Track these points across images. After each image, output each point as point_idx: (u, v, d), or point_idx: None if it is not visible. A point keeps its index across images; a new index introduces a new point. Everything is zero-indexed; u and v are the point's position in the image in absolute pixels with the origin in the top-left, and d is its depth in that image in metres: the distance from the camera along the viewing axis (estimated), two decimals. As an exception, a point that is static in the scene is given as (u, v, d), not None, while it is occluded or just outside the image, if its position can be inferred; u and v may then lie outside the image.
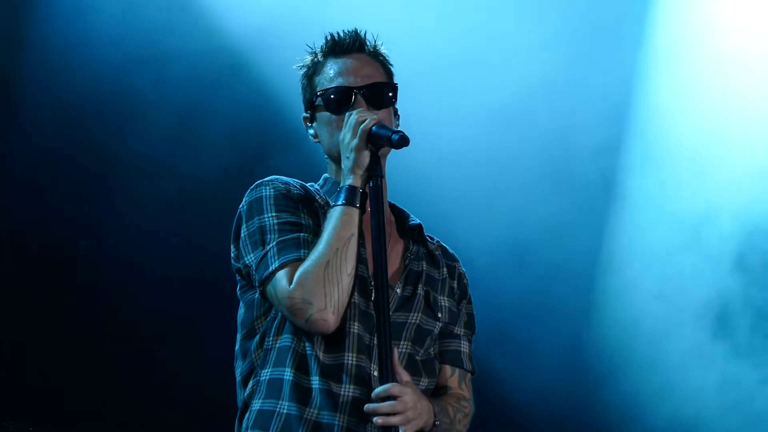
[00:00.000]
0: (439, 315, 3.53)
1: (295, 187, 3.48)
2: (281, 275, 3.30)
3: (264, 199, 3.43)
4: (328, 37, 3.54)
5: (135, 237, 6.11)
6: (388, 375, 3.22)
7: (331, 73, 3.49)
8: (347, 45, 3.52)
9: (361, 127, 3.32)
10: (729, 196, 6.25)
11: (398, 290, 3.46)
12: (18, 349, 5.99)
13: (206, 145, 6.20)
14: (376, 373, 3.33)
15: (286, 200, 3.42)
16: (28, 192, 6.05)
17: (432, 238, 3.67)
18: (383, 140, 3.31)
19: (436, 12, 6.28)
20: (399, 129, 3.32)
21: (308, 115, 3.56)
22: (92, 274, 6.08)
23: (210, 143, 6.21)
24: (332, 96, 3.46)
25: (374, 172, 3.34)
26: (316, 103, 3.50)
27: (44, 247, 6.00)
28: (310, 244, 3.34)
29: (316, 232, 3.38)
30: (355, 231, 3.32)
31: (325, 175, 3.59)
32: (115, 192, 6.14)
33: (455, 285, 3.62)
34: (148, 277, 6.11)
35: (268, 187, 3.45)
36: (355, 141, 3.33)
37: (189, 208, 6.12)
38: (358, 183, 3.34)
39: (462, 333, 3.61)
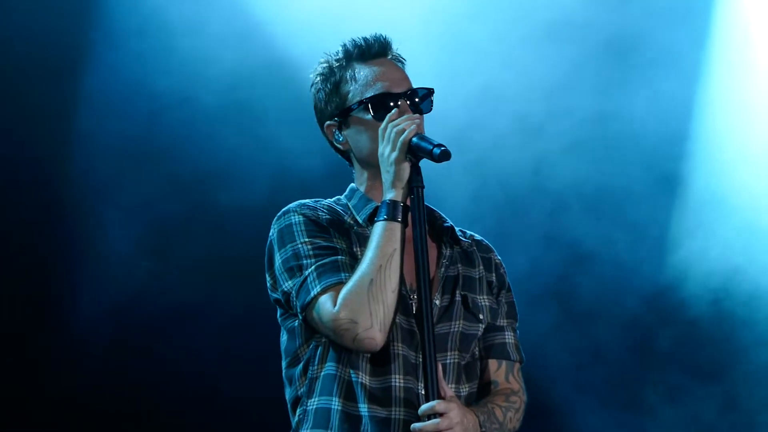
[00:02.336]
0: (481, 317, 3.49)
1: (323, 211, 3.46)
2: (324, 299, 3.29)
3: (294, 226, 3.41)
4: (351, 44, 3.50)
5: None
6: (433, 392, 3.21)
7: (368, 78, 3.46)
8: (376, 50, 3.49)
9: (401, 139, 3.29)
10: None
11: (437, 301, 3.42)
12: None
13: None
14: (422, 392, 3.30)
15: (316, 225, 3.41)
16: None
17: (464, 233, 3.62)
18: (424, 153, 3.27)
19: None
20: (440, 142, 3.27)
21: (335, 122, 3.51)
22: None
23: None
24: (376, 102, 3.42)
25: (414, 184, 3.30)
26: (354, 111, 3.46)
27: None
28: (348, 267, 3.32)
29: (350, 254, 3.37)
30: (398, 246, 3.29)
31: (352, 185, 3.57)
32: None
33: (493, 277, 3.58)
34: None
35: (295, 215, 3.43)
36: (395, 154, 3.29)
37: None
38: (399, 197, 3.31)
39: (505, 324, 3.57)
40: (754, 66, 6.19)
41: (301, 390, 3.40)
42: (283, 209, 3.47)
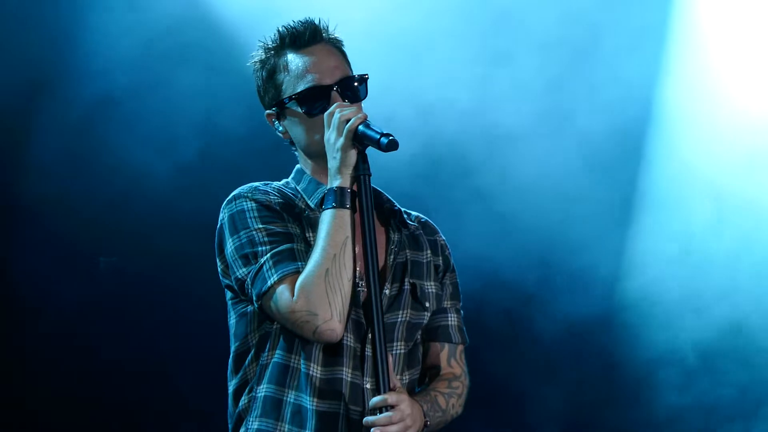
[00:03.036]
0: (427, 305, 3.47)
1: (275, 194, 3.41)
2: (282, 289, 3.25)
3: (247, 212, 3.36)
4: (284, 30, 3.43)
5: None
6: (384, 385, 3.21)
7: (299, 70, 3.40)
8: (307, 37, 3.42)
9: (347, 126, 3.26)
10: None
11: (387, 291, 3.40)
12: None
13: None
14: (369, 386, 3.30)
15: (270, 211, 3.36)
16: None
17: (410, 215, 3.59)
18: (370, 141, 3.24)
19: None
20: (387, 132, 3.22)
21: (273, 112, 3.46)
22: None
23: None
24: (307, 97, 3.38)
25: (361, 171, 3.28)
26: (288, 104, 3.41)
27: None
28: (304, 254, 3.29)
29: (304, 240, 3.34)
30: (349, 233, 3.27)
31: (298, 167, 3.52)
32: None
33: (440, 260, 3.56)
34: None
35: (247, 200, 3.38)
36: (341, 140, 3.26)
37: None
38: (346, 183, 3.28)
39: (449, 305, 3.56)
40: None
41: (250, 376, 3.37)
42: (233, 193, 3.42)
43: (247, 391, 3.37)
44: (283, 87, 3.41)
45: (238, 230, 3.34)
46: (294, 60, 3.41)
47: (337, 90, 3.38)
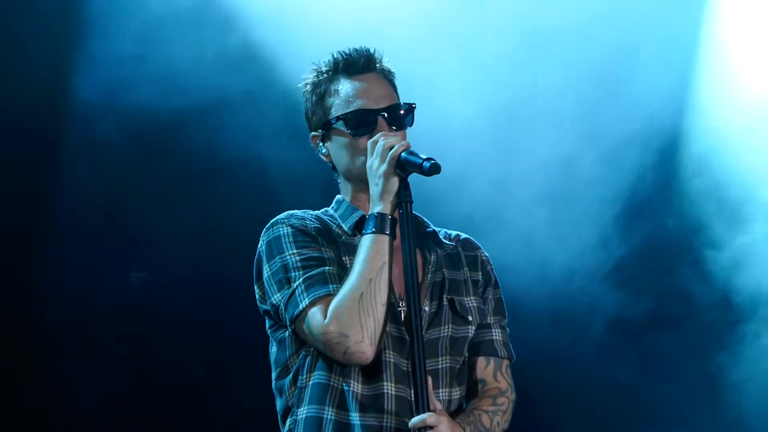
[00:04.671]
0: (470, 318, 3.50)
1: (311, 220, 3.47)
2: (313, 311, 3.29)
3: (282, 238, 3.42)
4: (338, 56, 3.51)
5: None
6: (423, 405, 3.23)
7: (349, 94, 3.47)
8: (361, 65, 3.50)
9: (390, 153, 3.30)
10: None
11: (426, 308, 3.43)
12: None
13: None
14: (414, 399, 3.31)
15: (305, 236, 3.42)
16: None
17: (449, 235, 3.64)
18: (413, 167, 3.28)
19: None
20: (429, 156, 3.26)
21: (319, 134, 3.52)
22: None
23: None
24: (354, 119, 3.44)
25: (403, 198, 3.31)
26: (334, 125, 3.47)
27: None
28: (337, 278, 3.33)
29: (339, 264, 3.38)
30: (387, 259, 3.30)
31: (338, 197, 3.58)
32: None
33: (479, 276, 3.59)
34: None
35: (284, 226, 3.44)
36: (384, 167, 3.30)
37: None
38: (387, 210, 3.32)
39: (492, 321, 3.58)
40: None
41: (292, 400, 3.41)
42: (272, 220, 3.48)
43: (290, 415, 3.41)
44: (332, 110, 3.48)
45: (274, 256, 3.41)
46: (345, 85, 3.49)
47: (383, 116, 3.44)
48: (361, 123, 3.44)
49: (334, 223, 3.50)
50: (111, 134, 5.94)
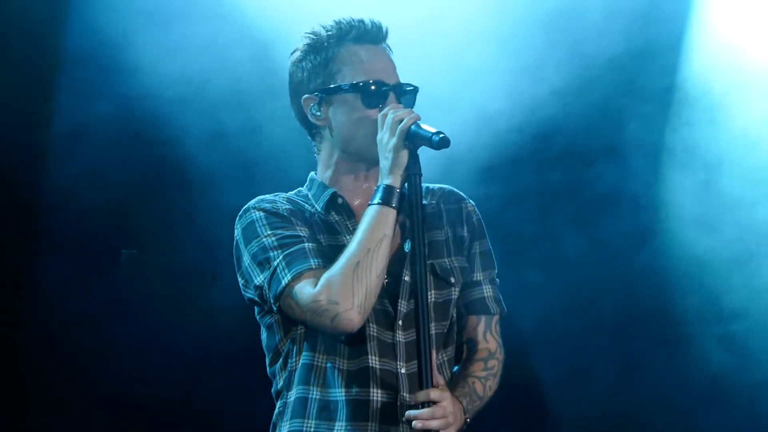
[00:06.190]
0: (452, 280, 3.51)
1: (282, 202, 3.48)
2: (296, 286, 3.30)
3: (255, 222, 3.43)
4: (347, 23, 3.49)
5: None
6: (427, 380, 3.24)
7: (362, 62, 3.47)
8: (373, 35, 3.50)
9: (400, 126, 3.31)
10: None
11: (406, 278, 3.42)
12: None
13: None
14: (403, 371, 3.35)
15: (277, 217, 3.43)
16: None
17: (432, 190, 3.62)
18: (423, 140, 3.29)
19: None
20: (439, 130, 3.28)
21: (315, 96, 3.50)
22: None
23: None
24: (369, 89, 3.44)
25: (411, 171, 3.32)
26: (343, 91, 3.45)
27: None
28: (317, 252, 3.35)
29: (315, 241, 3.39)
30: (389, 232, 3.31)
31: (312, 175, 3.58)
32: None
33: (464, 230, 3.59)
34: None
35: (255, 211, 3.45)
36: (394, 140, 3.31)
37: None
38: (397, 183, 3.33)
39: (482, 277, 3.59)
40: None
41: (281, 383, 3.44)
42: (243, 208, 3.50)
43: (280, 398, 3.45)
44: (340, 75, 3.46)
45: (250, 241, 3.42)
46: (358, 52, 3.47)
47: (394, 91, 3.46)
48: (375, 94, 3.43)
49: (307, 203, 3.52)
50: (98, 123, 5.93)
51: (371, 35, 3.48)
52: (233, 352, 5.80)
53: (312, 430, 3.35)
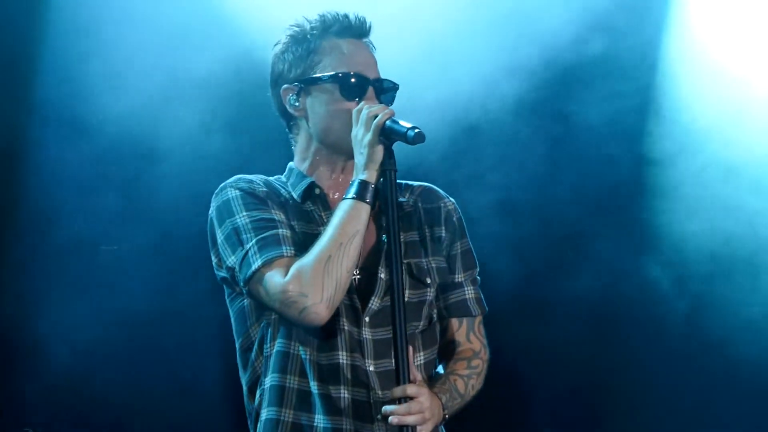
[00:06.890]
0: (428, 281, 3.50)
1: (259, 184, 3.47)
2: (267, 272, 3.29)
3: (231, 201, 3.42)
4: (330, 16, 3.50)
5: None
6: (404, 376, 3.23)
7: (344, 55, 3.47)
8: (357, 30, 3.51)
9: (375, 121, 3.31)
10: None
11: (382, 276, 3.42)
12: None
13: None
14: (372, 368, 3.35)
15: (254, 198, 3.42)
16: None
17: (411, 188, 3.62)
18: (398, 135, 3.29)
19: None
20: (414, 125, 3.28)
21: (294, 86, 3.50)
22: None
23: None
24: (348, 81, 3.44)
25: (387, 167, 3.32)
26: (323, 83, 3.46)
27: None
28: (290, 240, 3.34)
29: (289, 227, 3.38)
30: (362, 228, 3.31)
31: (290, 164, 3.57)
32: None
33: (443, 231, 3.58)
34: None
35: (232, 189, 3.44)
36: (369, 136, 3.31)
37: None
38: (372, 179, 3.32)
39: (463, 278, 3.59)
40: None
41: (259, 370, 3.42)
42: (221, 185, 3.48)
43: (258, 385, 3.43)
44: (320, 66, 3.47)
45: (224, 220, 3.41)
46: (340, 45, 3.48)
47: (375, 86, 3.47)
48: (354, 86, 3.43)
49: (284, 189, 3.51)
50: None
51: (354, 29, 3.49)
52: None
53: (290, 420, 3.36)
